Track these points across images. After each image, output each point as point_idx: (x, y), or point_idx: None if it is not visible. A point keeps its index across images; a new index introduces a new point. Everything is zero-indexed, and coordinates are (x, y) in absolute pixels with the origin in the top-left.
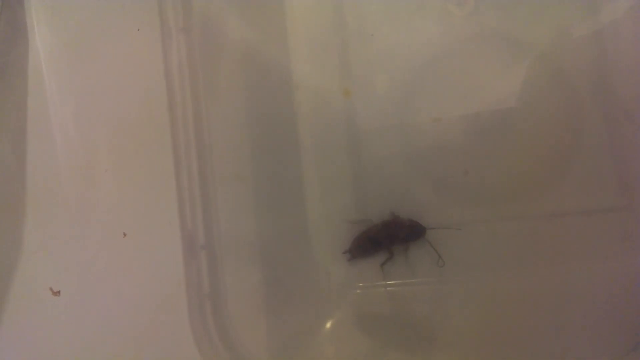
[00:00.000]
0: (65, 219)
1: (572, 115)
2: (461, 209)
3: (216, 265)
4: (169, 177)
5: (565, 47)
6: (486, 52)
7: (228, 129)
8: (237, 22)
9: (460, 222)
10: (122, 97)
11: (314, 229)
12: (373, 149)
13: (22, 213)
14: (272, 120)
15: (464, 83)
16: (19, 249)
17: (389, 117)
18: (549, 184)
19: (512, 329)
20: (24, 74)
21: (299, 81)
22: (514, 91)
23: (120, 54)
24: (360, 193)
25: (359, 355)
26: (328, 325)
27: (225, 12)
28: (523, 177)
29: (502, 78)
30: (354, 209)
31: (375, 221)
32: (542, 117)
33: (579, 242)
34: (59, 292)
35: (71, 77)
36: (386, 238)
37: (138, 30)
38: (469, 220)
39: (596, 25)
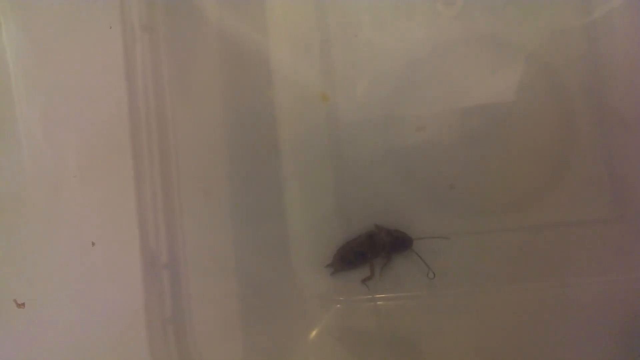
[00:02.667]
0: (31, 228)
1: (565, 123)
2: (449, 219)
3: (180, 286)
4: (129, 189)
5: (558, 51)
6: (475, 54)
7: (200, 135)
8: (215, 19)
9: (449, 233)
10: (89, 99)
11: (294, 241)
12: (356, 157)
13: None
14: (250, 126)
15: (451, 88)
16: None
17: (372, 124)
18: (541, 194)
19: (504, 345)
20: None
21: (280, 84)
22: (504, 97)
23: (85, 54)
24: (343, 203)
25: None
26: (308, 341)
27: (200, 10)
28: (513, 187)
29: (491, 83)
30: (335, 220)
31: (357, 234)
32: (533, 124)
33: (571, 254)
34: (23, 304)
35: (38, 78)
36: (371, 250)
37: (110, 28)
38: (458, 231)
39: (590, 28)
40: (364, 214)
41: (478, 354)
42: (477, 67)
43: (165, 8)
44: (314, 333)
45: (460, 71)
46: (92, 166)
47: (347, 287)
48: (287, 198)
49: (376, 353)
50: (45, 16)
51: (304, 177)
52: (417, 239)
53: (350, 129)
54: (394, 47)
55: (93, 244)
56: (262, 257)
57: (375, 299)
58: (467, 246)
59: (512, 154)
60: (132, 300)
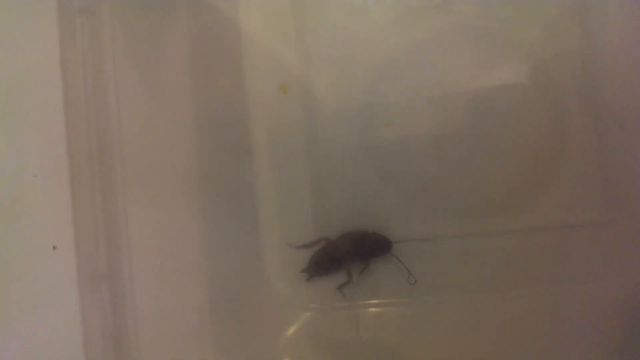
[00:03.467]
0: None
1: (555, 120)
2: (432, 222)
3: (124, 298)
4: (65, 192)
5: (548, 44)
6: (459, 47)
7: (153, 132)
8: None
9: (432, 236)
10: (26, 89)
11: (267, 245)
12: (333, 155)
13: None
14: (216, 123)
15: (433, 81)
16: None
17: (349, 120)
18: (529, 196)
19: (490, 354)
20: None
21: (252, 76)
22: (490, 92)
23: (17, 42)
24: (318, 205)
25: None
26: (280, 349)
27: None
28: (500, 188)
29: (475, 77)
30: (311, 222)
31: (333, 237)
32: (521, 121)
33: (561, 259)
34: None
35: None
36: (348, 255)
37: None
38: (442, 235)
39: (583, 21)
40: (341, 216)
41: None
42: (461, 60)
43: None
44: (285, 341)
45: (444, 64)
46: (53, 164)
47: (324, 294)
48: (260, 200)
49: None
50: None
51: (278, 176)
52: (396, 242)
53: (327, 124)
54: (374, 38)
55: (55, 247)
56: (232, 262)
57: (353, 306)
58: (451, 251)
59: (499, 152)
60: (69, 315)
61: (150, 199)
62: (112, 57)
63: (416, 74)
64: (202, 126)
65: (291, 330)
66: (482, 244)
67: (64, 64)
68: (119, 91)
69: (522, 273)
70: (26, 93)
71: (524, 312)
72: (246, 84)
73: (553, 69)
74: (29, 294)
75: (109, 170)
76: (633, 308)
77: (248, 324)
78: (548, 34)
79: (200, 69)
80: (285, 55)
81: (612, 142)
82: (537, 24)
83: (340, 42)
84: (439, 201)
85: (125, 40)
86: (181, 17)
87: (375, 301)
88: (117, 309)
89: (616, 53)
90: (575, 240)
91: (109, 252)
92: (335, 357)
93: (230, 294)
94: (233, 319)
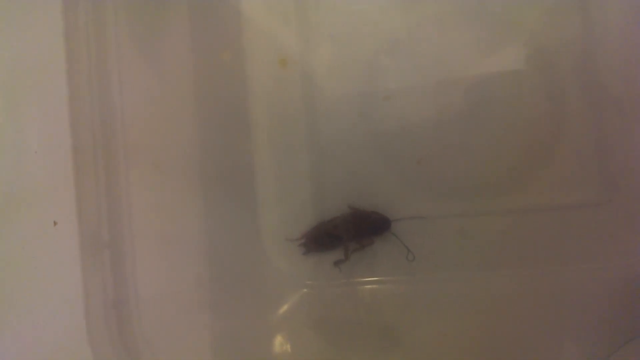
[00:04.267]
0: None
1: (554, 103)
2: (430, 202)
3: (125, 267)
4: (67, 162)
5: (548, 28)
6: (461, 28)
7: (156, 105)
8: None
9: (430, 215)
10: (29, 67)
11: (266, 220)
12: (332, 134)
13: None
14: (217, 99)
15: (433, 62)
16: None
17: (348, 98)
18: (526, 177)
19: (486, 332)
20: None
21: (253, 53)
22: (490, 74)
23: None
24: (318, 183)
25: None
26: (275, 323)
27: None
28: (498, 169)
29: (476, 58)
30: (310, 200)
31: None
32: (520, 103)
33: (557, 240)
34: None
35: None
36: (347, 232)
37: None
38: (438, 214)
39: (585, 10)
40: (340, 195)
41: (459, 341)
42: (461, 42)
43: None
44: (282, 316)
45: (444, 44)
46: (54, 140)
47: (321, 271)
48: (260, 180)
49: (348, 339)
50: None
51: (277, 155)
52: (395, 221)
53: (326, 101)
54: (374, 16)
55: (55, 223)
56: (231, 239)
57: (350, 283)
58: (449, 229)
59: (497, 133)
60: (70, 284)
61: (152, 176)
62: (115, 41)
63: (416, 53)
64: (202, 105)
65: (288, 306)
66: (479, 224)
67: (68, 44)
68: (121, 75)
69: (517, 253)
70: (31, 75)
71: (519, 291)
72: (246, 62)
73: (552, 51)
74: (31, 267)
75: (110, 145)
76: (628, 288)
77: (246, 300)
78: (548, 18)
79: (201, 47)
80: (286, 32)
81: (609, 124)
82: (538, 9)
83: (341, 19)
84: (436, 180)
85: (127, 24)
86: (181, 4)
87: (372, 278)
88: (118, 280)
89: (616, 38)
90: (570, 220)
91: (110, 220)
92: (332, 334)
93: (228, 270)
94: (231, 294)
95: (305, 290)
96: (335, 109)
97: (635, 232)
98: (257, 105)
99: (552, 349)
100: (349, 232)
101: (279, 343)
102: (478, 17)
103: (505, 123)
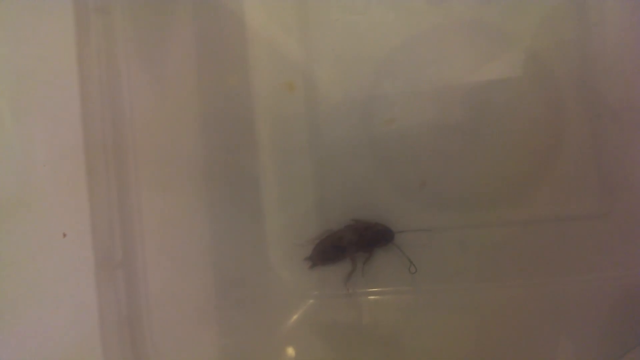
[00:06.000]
0: None
1: (552, 113)
2: (431, 214)
3: (138, 285)
4: (81, 183)
5: (546, 37)
6: (459, 41)
7: (163, 125)
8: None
9: (432, 228)
10: (43, 85)
11: (272, 234)
12: (335, 148)
13: None
14: (223, 117)
15: (432, 76)
16: None
17: (351, 114)
18: (526, 189)
19: (488, 342)
20: None
21: (256, 71)
22: (487, 85)
23: (36, 41)
24: (320, 195)
25: None
26: (284, 335)
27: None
28: (498, 181)
29: (474, 71)
30: (314, 212)
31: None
32: (517, 115)
33: (557, 251)
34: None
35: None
36: (351, 244)
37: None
38: (441, 226)
39: (581, 13)
40: (342, 208)
41: (461, 351)
42: (460, 55)
43: None
44: (289, 327)
45: (443, 59)
46: (62, 154)
47: (327, 282)
48: (265, 191)
49: (354, 349)
50: None
51: (281, 168)
52: (398, 233)
53: (330, 118)
54: (375, 34)
55: (64, 235)
56: (237, 251)
57: (355, 294)
58: (450, 242)
59: (496, 146)
60: (85, 301)
61: (160, 190)
62: (124, 54)
63: (416, 70)
64: (208, 120)
65: (294, 317)
66: (480, 235)
67: (80, 60)
68: (131, 86)
69: (518, 264)
70: (46, 87)
71: (520, 302)
72: (250, 79)
73: (550, 62)
74: (44, 284)
75: (122, 161)
76: (627, 300)
77: (252, 311)
78: (546, 27)
79: (205, 64)
80: (289, 51)
81: (608, 135)
82: (534, 18)
83: (342, 38)
84: (438, 194)
85: (135, 37)
86: (187, 16)
87: (376, 289)
88: (131, 295)
89: (614, 47)
90: (570, 232)
91: (123, 240)
92: (338, 344)
93: (235, 282)
94: (238, 306)
95: (311, 301)
96: (337, 125)
97: (634, 244)
98: (261, 120)
99: (553, 356)
100: (353, 244)
101: (287, 355)
102: (475, 30)
103: (504, 136)
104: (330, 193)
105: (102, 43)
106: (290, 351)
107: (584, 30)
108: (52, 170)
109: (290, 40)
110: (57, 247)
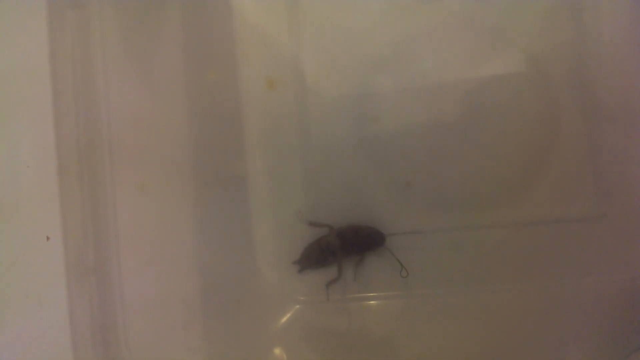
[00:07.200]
0: None
1: (547, 114)
2: (423, 216)
3: (112, 290)
4: (53, 185)
5: (540, 37)
6: (452, 40)
7: (144, 124)
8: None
9: (424, 230)
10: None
11: (260, 237)
12: (325, 149)
13: None
14: (210, 112)
15: (424, 74)
16: None
17: (341, 113)
18: (520, 190)
19: (481, 348)
20: None
21: (245, 70)
22: (481, 85)
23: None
24: (310, 196)
25: None
26: (270, 340)
27: None
28: (492, 182)
29: (467, 70)
30: (303, 211)
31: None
32: (514, 115)
33: (551, 254)
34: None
35: None
36: (341, 248)
37: None
38: (433, 228)
39: (576, 13)
40: (332, 208)
41: (454, 356)
42: (453, 53)
43: None
44: (275, 332)
45: (436, 57)
46: (45, 155)
47: (315, 286)
48: (252, 191)
49: (343, 355)
50: None
51: (270, 168)
52: (389, 235)
53: (318, 116)
54: (365, 31)
55: (48, 238)
56: (223, 254)
57: (344, 299)
58: (442, 244)
59: (490, 146)
60: (56, 306)
61: (139, 191)
62: (102, 50)
63: (408, 67)
64: (193, 118)
65: (281, 322)
66: (473, 238)
67: (53, 57)
68: (108, 84)
69: (512, 267)
70: (16, 85)
71: (514, 305)
72: (238, 77)
73: (546, 62)
74: (18, 287)
75: (97, 162)
76: (623, 303)
77: (238, 315)
78: (542, 27)
79: (191, 60)
80: (278, 48)
81: (603, 136)
82: (530, 17)
83: (332, 35)
84: (429, 195)
85: (115, 33)
86: (174, 10)
87: (367, 294)
88: (105, 301)
89: (610, 47)
90: (565, 234)
91: (97, 244)
92: (326, 350)
93: (220, 286)
94: (223, 310)
95: (299, 305)
96: (327, 124)
97: (630, 246)
98: (249, 118)
99: None
100: (344, 248)
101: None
102: (470, 28)
103: (499, 136)
104: (320, 193)
105: (77, 38)
106: (277, 357)
107: (580, 31)
108: (24, 172)
109: (280, 37)
110: (35, 252)
